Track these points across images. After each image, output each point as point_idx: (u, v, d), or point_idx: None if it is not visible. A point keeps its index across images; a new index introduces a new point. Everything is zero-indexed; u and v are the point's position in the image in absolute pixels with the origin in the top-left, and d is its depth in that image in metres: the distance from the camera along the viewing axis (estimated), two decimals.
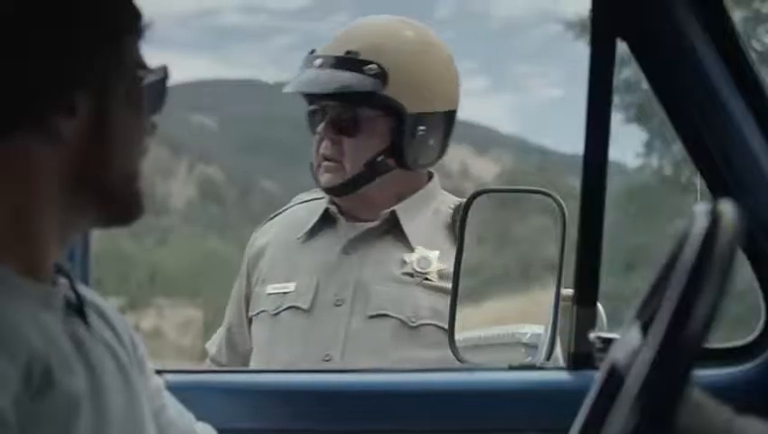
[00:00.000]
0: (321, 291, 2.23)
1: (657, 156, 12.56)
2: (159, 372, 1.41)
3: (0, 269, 1.16)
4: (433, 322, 2.18)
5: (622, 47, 1.76)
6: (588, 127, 1.77)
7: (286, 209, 2.38)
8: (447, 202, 2.31)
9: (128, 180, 1.22)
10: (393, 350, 2.17)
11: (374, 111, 2.22)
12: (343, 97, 2.22)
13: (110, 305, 1.33)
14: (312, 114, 2.28)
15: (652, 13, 1.75)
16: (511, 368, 1.87)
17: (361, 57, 2.21)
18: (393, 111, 2.21)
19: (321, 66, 2.24)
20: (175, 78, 1.29)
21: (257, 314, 2.29)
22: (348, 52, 2.22)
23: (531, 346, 2.05)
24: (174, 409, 1.41)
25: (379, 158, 2.23)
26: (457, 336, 1.91)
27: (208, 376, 2.01)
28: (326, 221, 2.30)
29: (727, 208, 0.98)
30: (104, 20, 1.19)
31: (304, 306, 2.23)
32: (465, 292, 1.92)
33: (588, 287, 1.79)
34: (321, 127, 2.24)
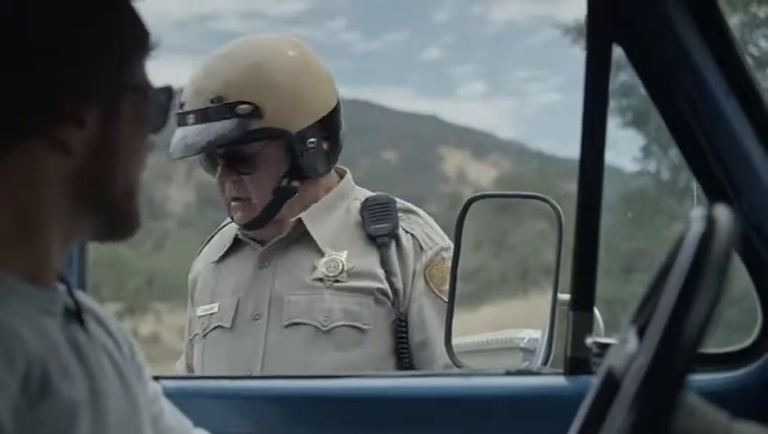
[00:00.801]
0: (241, 308, 2.28)
1: (654, 161, 12.54)
2: (156, 378, 1.41)
3: (2, 274, 1.16)
4: (345, 323, 2.22)
5: (618, 52, 1.76)
6: (584, 131, 1.77)
7: (216, 232, 2.42)
8: (360, 198, 2.33)
9: (128, 194, 1.23)
10: (309, 356, 2.20)
11: (261, 143, 2.22)
12: (223, 145, 2.22)
13: (108, 311, 1.33)
14: (204, 161, 2.29)
15: (648, 17, 1.75)
16: (509, 373, 1.87)
17: (230, 100, 2.20)
18: (279, 137, 2.22)
19: (193, 122, 2.22)
20: (175, 82, 1.31)
21: (193, 337, 2.36)
22: (213, 100, 2.21)
23: (529, 351, 2.05)
24: (172, 415, 1.41)
25: (283, 183, 2.25)
26: (454, 341, 1.91)
27: (205, 382, 2.01)
28: (241, 240, 2.34)
29: (723, 213, 0.98)
30: (114, 37, 1.21)
31: (227, 325, 2.28)
32: (463, 297, 1.92)
33: (585, 292, 1.79)
34: (218, 174, 2.26)
